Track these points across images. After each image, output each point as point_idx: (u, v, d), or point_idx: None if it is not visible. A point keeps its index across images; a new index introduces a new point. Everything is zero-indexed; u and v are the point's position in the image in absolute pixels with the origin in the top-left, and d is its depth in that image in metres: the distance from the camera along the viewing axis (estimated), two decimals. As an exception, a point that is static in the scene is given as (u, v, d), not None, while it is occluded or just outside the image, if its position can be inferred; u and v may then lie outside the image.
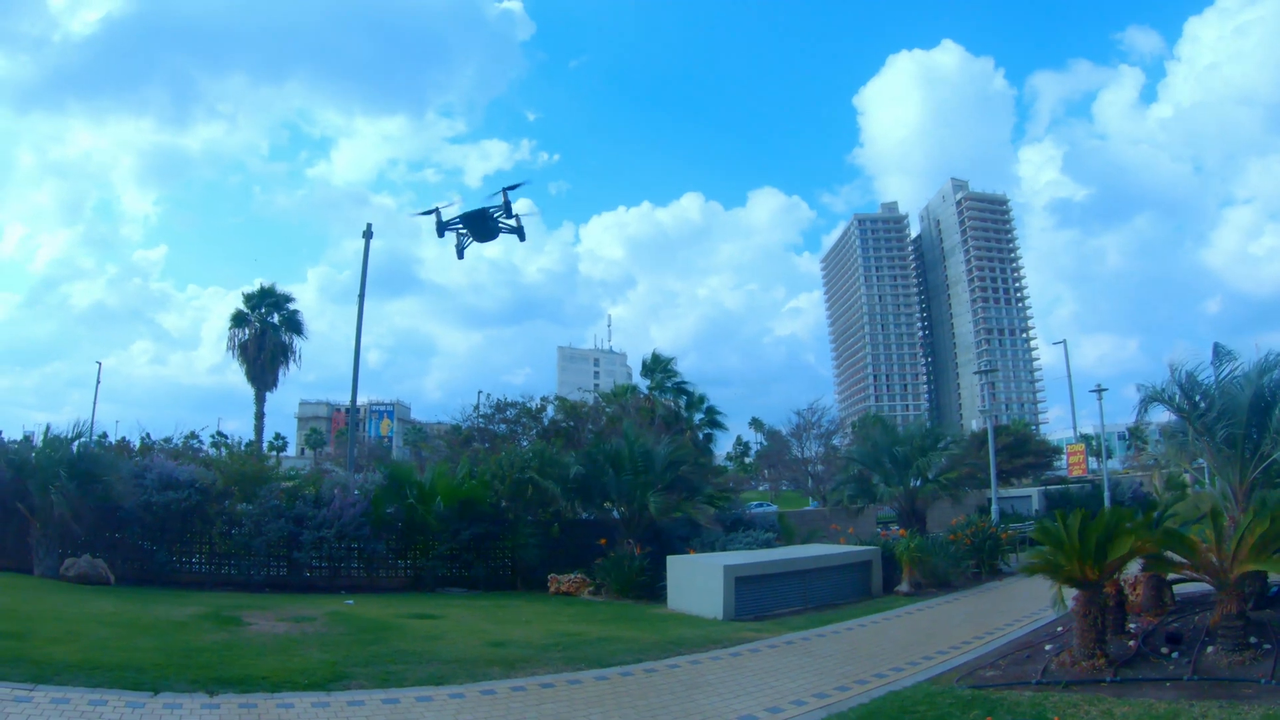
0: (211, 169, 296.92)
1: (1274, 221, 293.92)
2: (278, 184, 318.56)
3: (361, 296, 32.49)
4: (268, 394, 49.79)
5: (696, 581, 18.38)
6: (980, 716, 8.86)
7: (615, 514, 24.73)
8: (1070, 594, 11.42)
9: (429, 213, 33.93)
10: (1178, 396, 16.78)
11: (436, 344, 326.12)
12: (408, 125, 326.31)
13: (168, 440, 27.59)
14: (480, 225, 33.43)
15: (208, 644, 12.10)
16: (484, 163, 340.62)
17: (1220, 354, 16.54)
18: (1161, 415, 18.57)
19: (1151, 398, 17.48)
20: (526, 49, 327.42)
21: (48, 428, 20.53)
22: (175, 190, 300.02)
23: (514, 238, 34.72)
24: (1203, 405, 16.30)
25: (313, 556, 20.96)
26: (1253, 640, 11.09)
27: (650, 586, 20.55)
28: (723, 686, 11.04)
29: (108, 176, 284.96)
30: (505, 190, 33.25)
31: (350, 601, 18.20)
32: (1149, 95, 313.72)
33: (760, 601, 18.09)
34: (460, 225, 33.51)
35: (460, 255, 34.53)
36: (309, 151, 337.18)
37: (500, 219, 33.48)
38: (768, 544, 24.51)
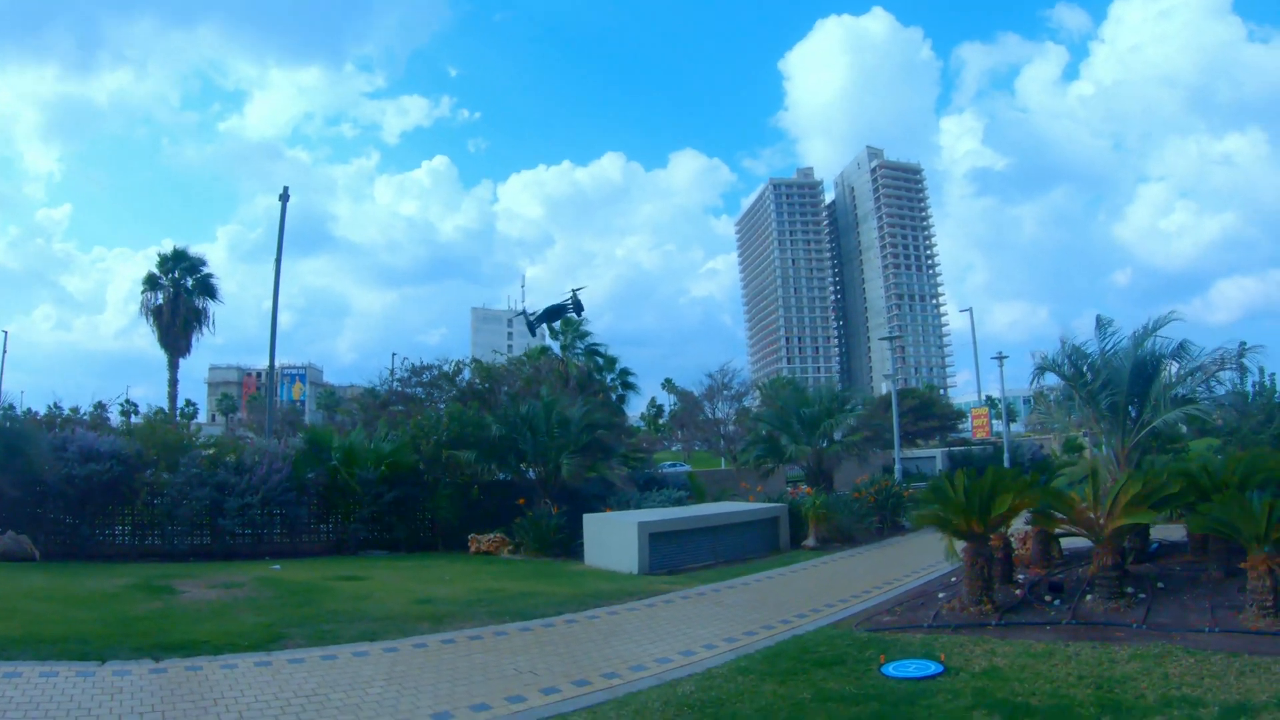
0: (118, 121, 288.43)
1: (1185, 198, 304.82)
2: (188, 136, 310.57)
3: (278, 262, 32.25)
4: (180, 360, 49.24)
5: (612, 538, 18.96)
6: (874, 654, 9.66)
7: (532, 475, 25.14)
8: (961, 547, 12.29)
9: (520, 314, 42.83)
10: (1066, 366, 17.87)
11: (350, 304, 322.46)
12: (324, 77, 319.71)
13: (75, 410, 27.27)
14: (554, 315, 40.86)
15: (144, 613, 12.32)
16: (402, 118, 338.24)
17: (1102, 325, 17.64)
18: (1057, 382, 19.54)
19: (1044, 367, 18.61)
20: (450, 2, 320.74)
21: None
22: (80, 146, 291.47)
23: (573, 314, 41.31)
24: (1089, 375, 17.38)
25: (237, 524, 20.91)
26: (1129, 590, 12.16)
27: (567, 544, 21.11)
28: (639, 634, 11.64)
29: (10, 131, 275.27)
30: (574, 291, 39.71)
31: (277, 567, 18.39)
32: (1072, 73, 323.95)
33: (673, 557, 18.71)
34: (541, 321, 41.11)
35: (533, 334, 43.32)
36: (221, 104, 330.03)
37: (570, 310, 40.19)
38: (680, 502, 25.12)
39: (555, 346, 46.93)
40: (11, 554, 18.09)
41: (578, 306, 39.13)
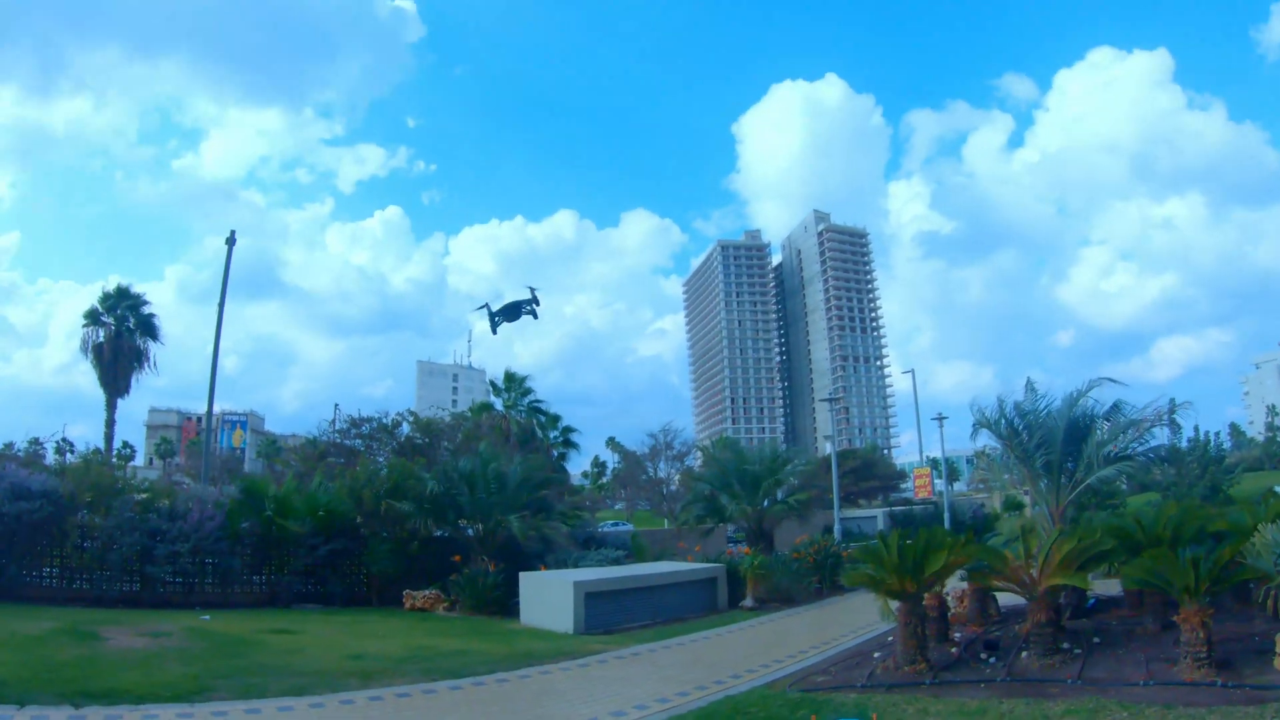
0: (73, 150, 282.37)
1: (1126, 260, 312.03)
2: (142, 171, 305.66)
3: (221, 307, 32.26)
4: (119, 400, 48.37)
5: (548, 597, 18.90)
6: (806, 715, 9.65)
7: (469, 531, 24.95)
8: (896, 606, 12.33)
9: (481, 308, 43.64)
10: (1003, 425, 18.15)
11: (297, 352, 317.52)
12: (283, 120, 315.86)
13: (9, 445, 26.79)
14: (513, 313, 42.40)
15: (68, 659, 12.14)
16: (358, 167, 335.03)
17: (1031, 387, 18.21)
18: (994, 440, 19.82)
19: (981, 424, 18.86)
20: (415, 50, 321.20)
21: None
22: (33, 173, 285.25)
23: (529, 316, 43.11)
24: (1024, 434, 17.66)
25: (167, 571, 20.60)
26: (1064, 645, 12.31)
27: (504, 602, 20.98)
28: (572, 694, 11.59)
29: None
30: (533, 290, 42.21)
31: (206, 617, 18.15)
32: (1017, 140, 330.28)
33: (610, 616, 18.66)
34: (501, 318, 42.39)
35: (495, 332, 43.72)
36: (178, 140, 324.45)
37: (528, 308, 42.21)
38: (619, 561, 25.09)
39: (498, 404, 46.82)
40: (-68, 592, 17.62)
41: (535, 304, 41.49)
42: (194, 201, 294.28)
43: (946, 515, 47.01)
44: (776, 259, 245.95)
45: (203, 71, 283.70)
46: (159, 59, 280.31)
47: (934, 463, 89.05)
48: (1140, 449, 18.33)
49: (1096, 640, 13.07)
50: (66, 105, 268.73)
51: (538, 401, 46.65)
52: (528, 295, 41.57)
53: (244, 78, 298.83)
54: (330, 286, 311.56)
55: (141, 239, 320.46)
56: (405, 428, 41.68)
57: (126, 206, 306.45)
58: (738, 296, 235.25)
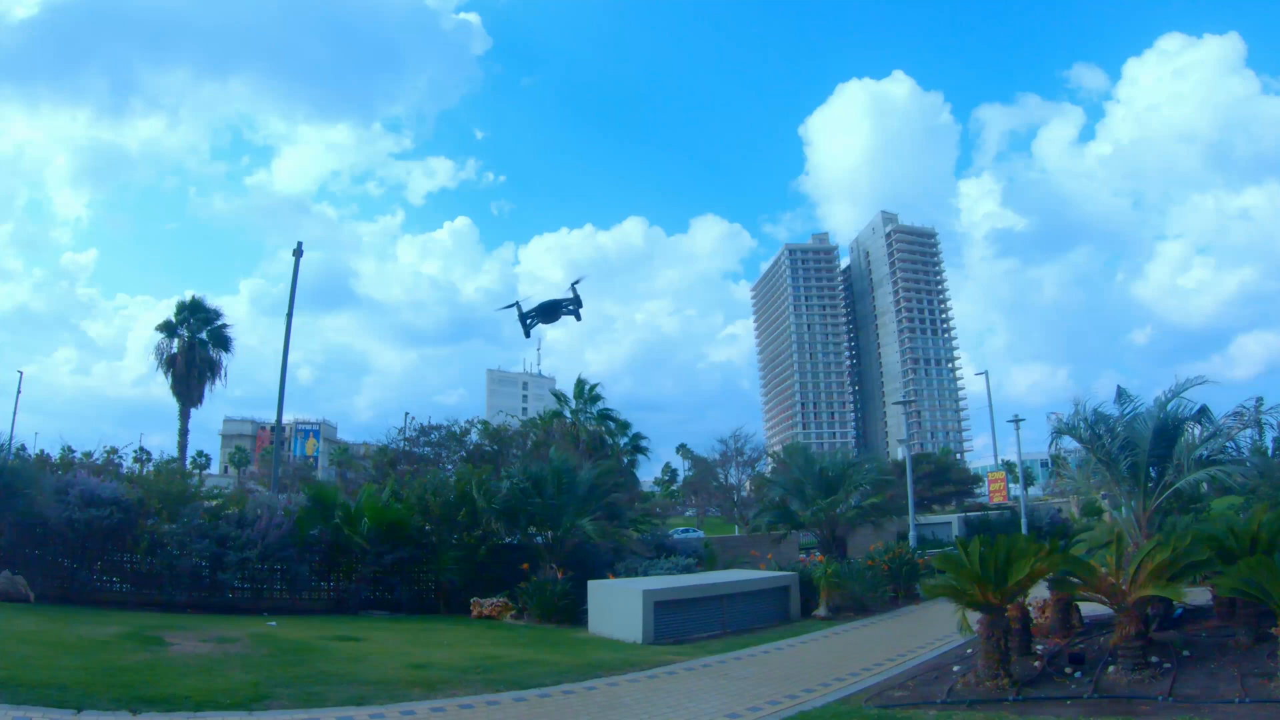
0: (148, 169, 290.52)
1: (1203, 254, 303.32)
2: (216, 186, 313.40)
3: (289, 318, 32.54)
4: (192, 410, 49.09)
5: (617, 606, 18.62)
6: (882, 734, 9.22)
7: (539, 538, 24.77)
8: (976, 618, 11.82)
9: (510, 307, 37.82)
10: (1084, 429, 17.56)
11: (370, 362, 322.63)
12: (352, 135, 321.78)
13: (89, 455, 27.24)
14: (550, 313, 37.17)
15: (130, 664, 12.10)
16: (428, 180, 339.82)
17: (1122, 395, 17.65)
18: (1075, 445, 19.24)
19: (1061, 430, 18.33)
20: (482, 62, 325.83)
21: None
22: (110, 193, 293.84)
23: (571, 318, 38.03)
24: (1107, 438, 17.03)
25: (236, 577, 20.80)
26: (1153, 660, 11.66)
27: (572, 611, 20.71)
28: (638, 708, 11.27)
29: (41, 174, 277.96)
30: (574, 287, 36.69)
31: (273, 623, 18.17)
32: (1088, 133, 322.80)
33: (679, 626, 18.31)
34: (535, 316, 37.27)
35: (527, 335, 38.34)
36: (250, 157, 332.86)
37: (568, 308, 37.05)
38: (689, 569, 24.70)
39: (567, 411, 46.80)
40: (7, 595, 18.02)
41: (578, 304, 36.78)
42: (267, 216, 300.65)
43: (1024, 521, 46.04)
44: (845, 262, 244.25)
45: (271, 89, 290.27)
46: (228, 78, 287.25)
47: (1009, 466, 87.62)
48: (1231, 453, 17.64)
49: (1186, 654, 12.37)
50: (140, 125, 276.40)
51: (608, 409, 46.60)
52: (569, 294, 37.14)
53: (312, 94, 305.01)
54: (402, 297, 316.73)
55: (216, 253, 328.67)
56: (474, 435, 41.81)
57: (201, 222, 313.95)
58: (806, 300, 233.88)
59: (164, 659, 12.84)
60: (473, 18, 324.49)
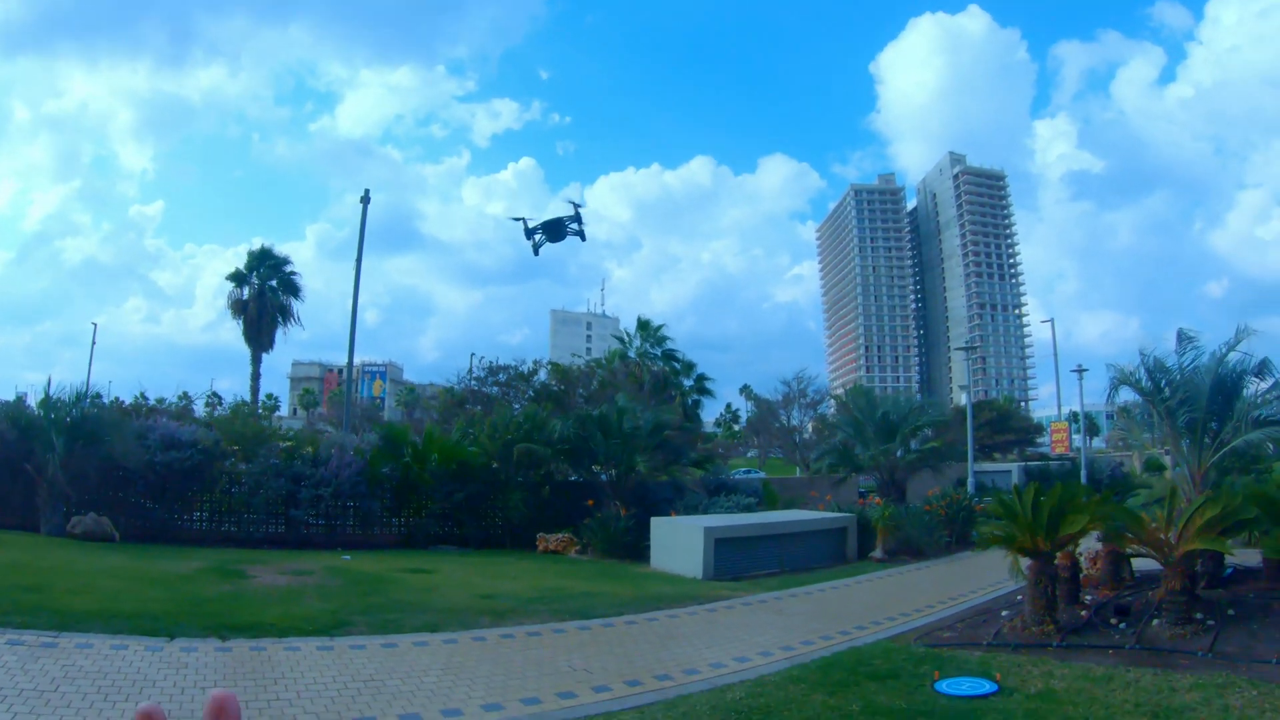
0: (210, 118, 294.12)
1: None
2: (280, 133, 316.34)
3: (358, 263, 33.04)
4: (263, 354, 50.55)
5: (678, 542, 19.01)
6: (929, 670, 9.56)
7: (603, 476, 25.27)
8: (1026, 564, 12.04)
9: (518, 219, 39.01)
10: (1144, 380, 17.33)
11: (435, 302, 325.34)
12: (415, 78, 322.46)
13: (161, 400, 28.06)
14: (555, 231, 38.43)
15: (214, 595, 12.73)
16: (492, 122, 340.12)
17: (1183, 339, 17.00)
18: (1135, 396, 19.01)
19: (1120, 380, 18.04)
20: (545, 1, 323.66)
21: (48, 388, 20.82)
22: (174, 144, 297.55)
23: (576, 238, 39.24)
24: (1167, 390, 16.84)
25: (310, 514, 21.51)
26: (1198, 616, 11.69)
27: (634, 546, 21.15)
28: (696, 639, 11.66)
29: (105, 130, 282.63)
30: (576, 206, 38.76)
31: (347, 557, 18.79)
32: (1169, 75, 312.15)
33: (738, 563, 18.64)
34: (541, 233, 38.50)
35: (536, 253, 39.36)
36: (313, 103, 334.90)
37: (571, 226, 38.38)
38: (749, 509, 24.89)
39: (631, 352, 47.14)
40: (93, 534, 18.80)
41: (578, 222, 38.38)
42: (331, 160, 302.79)
43: (1084, 472, 45.67)
44: (911, 203, 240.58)
45: (331, 34, 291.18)
46: (288, 24, 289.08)
47: (1073, 417, 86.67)
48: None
49: (1231, 612, 12.39)
50: (200, 75, 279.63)
51: (672, 349, 46.91)
52: (571, 214, 38.57)
53: (373, 38, 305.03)
54: (467, 238, 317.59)
55: (281, 199, 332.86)
56: (542, 375, 42.31)
57: (266, 169, 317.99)
58: (872, 242, 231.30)
59: (246, 590, 13.46)
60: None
